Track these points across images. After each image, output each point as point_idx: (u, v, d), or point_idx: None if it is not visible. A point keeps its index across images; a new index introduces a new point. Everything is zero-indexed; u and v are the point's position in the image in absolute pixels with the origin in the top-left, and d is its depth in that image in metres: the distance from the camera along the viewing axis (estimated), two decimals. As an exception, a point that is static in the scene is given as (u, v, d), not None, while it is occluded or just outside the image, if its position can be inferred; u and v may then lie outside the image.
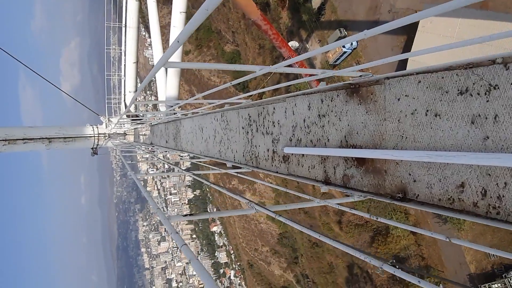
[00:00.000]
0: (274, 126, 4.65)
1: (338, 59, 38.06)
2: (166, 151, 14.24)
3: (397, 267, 2.55)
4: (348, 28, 35.87)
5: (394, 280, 40.63)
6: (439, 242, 34.37)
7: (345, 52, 36.24)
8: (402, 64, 24.46)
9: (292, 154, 4.20)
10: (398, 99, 2.71)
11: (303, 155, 3.99)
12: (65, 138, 14.39)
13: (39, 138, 13.62)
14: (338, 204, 3.14)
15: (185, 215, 2.47)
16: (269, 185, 5.26)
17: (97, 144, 15.76)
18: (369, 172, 3.07)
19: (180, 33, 2.03)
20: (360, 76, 2.92)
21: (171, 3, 12.74)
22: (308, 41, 44.15)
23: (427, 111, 2.48)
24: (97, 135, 15.72)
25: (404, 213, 35.62)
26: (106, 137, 16.33)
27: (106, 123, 16.76)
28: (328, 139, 3.54)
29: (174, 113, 10.23)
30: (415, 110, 2.57)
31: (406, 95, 2.64)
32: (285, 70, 2.77)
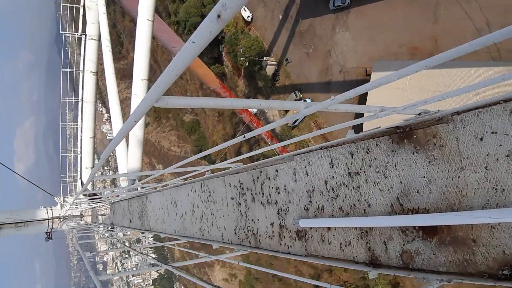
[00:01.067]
0: (279, 193, 3.72)
1: (296, 120, 39.19)
2: (128, 231, 12.60)
3: None
4: (302, 91, 37.62)
5: None
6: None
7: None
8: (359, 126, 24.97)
9: (311, 228, 3.24)
10: (481, 139, 1.97)
11: (329, 228, 3.06)
12: (16, 223, 13.25)
13: (-11, 225, 12.41)
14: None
15: None
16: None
17: (52, 228, 14.40)
18: (445, 244, 2.20)
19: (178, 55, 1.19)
20: (419, 114, 2.18)
21: (130, 77, 12.37)
22: (265, 105, 45.54)
23: (538, 149, 1.75)
24: (51, 218, 14.41)
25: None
26: (61, 220, 14.97)
27: (61, 204, 15.42)
28: (369, 204, 2.66)
29: (136, 189, 8.99)
30: (514, 150, 1.84)
31: (493, 132, 1.91)
32: (337, 108, 2.00)
